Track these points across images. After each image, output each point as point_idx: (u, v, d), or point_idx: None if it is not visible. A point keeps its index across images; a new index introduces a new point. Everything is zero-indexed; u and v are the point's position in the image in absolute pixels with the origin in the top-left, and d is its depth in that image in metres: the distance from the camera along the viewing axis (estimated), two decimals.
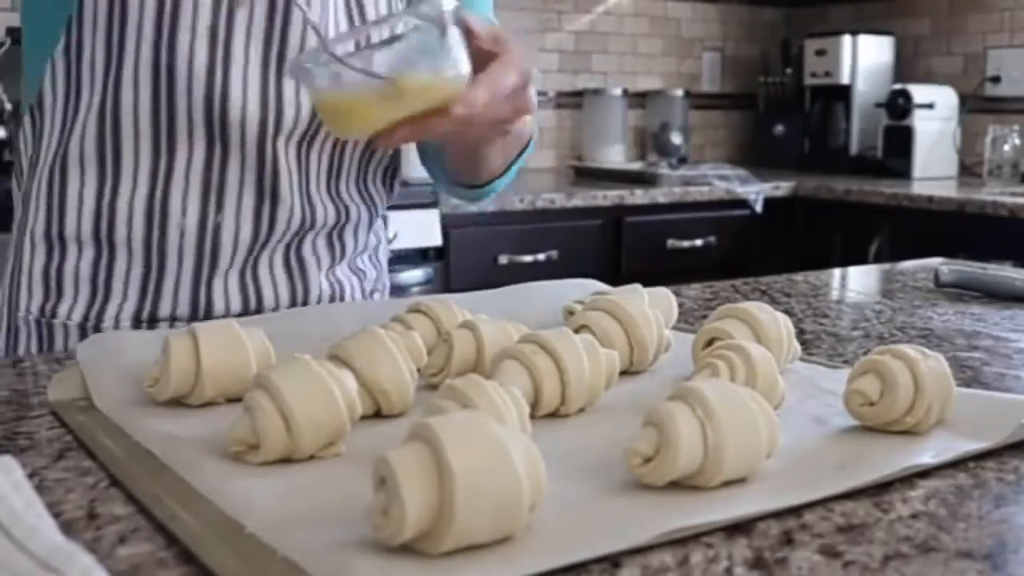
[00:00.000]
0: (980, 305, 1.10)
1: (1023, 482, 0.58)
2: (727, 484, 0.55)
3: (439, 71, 0.76)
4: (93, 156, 0.91)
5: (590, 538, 0.48)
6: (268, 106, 0.90)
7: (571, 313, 0.87)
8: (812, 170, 3.24)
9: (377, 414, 0.68)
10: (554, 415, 0.68)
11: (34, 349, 0.95)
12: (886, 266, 1.43)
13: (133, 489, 0.55)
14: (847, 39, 3.23)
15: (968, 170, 3.12)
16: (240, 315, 0.93)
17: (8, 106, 2.29)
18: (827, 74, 3.27)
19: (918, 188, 2.78)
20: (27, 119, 0.96)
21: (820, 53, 3.28)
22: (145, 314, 0.94)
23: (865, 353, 0.73)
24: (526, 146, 1.03)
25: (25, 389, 0.76)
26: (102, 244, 0.92)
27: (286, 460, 0.59)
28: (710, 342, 0.77)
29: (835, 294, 1.24)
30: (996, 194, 2.63)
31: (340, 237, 1.00)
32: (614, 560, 0.47)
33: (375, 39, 0.84)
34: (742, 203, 2.81)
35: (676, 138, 3.33)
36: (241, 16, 0.88)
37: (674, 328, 0.90)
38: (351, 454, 0.60)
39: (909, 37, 3.42)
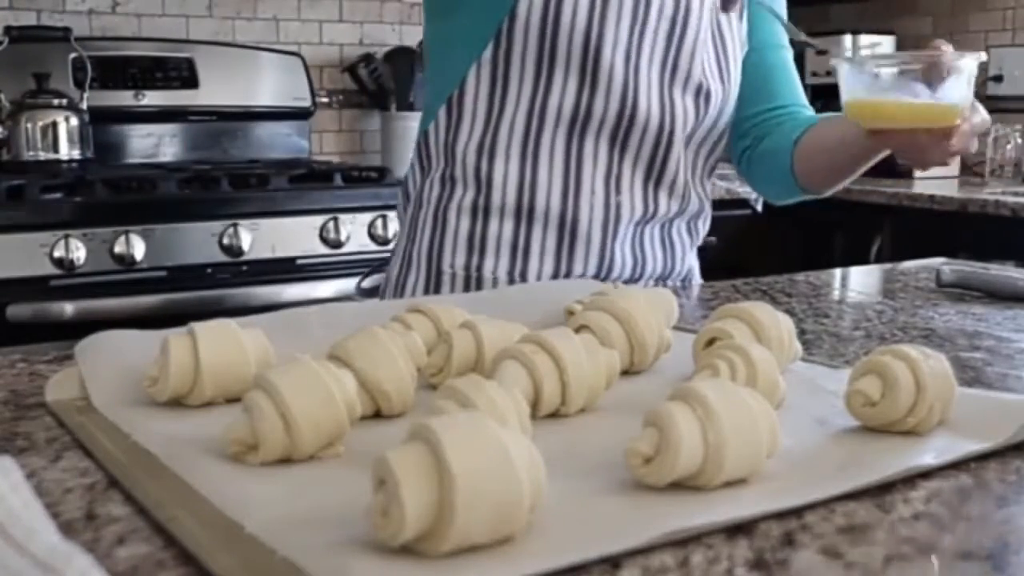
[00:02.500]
0: (982, 305, 1.10)
1: None
2: (728, 485, 0.55)
3: (957, 102, 0.92)
4: (519, 144, 1.09)
5: (590, 538, 0.48)
6: (665, 112, 1.10)
7: (571, 313, 0.87)
8: None
9: (377, 414, 0.67)
10: (554, 415, 0.68)
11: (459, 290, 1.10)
12: (887, 266, 1.43)
13: (132, 490, 0.55)
14: (848, 38, 3.23)
15: (970, 169, 3.11)
16: (629, 280, 1.13)
17: (7, 105, 2.29)
18: (829, 73, 3.27)
19: (920, 187, 2.78)
20: (443, 110, 1.12)
21: (821, 52, 3.28)
22: (561, 273, 1.11)
23: (866, 353, 0.73)
24: None
25: (24, 389, 0.76)
26: (522, 214, 1.10)
27: (285, 460, 0.59)
28: (710, 342, 0.77)
29: (836, 294, 1.24)
30: (998, 194, 2.62)
31: (695, 224, 1.21)
32: (614, 560, 0.47)
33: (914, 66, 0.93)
34: (743, 203, 2.81)
35: None
36: (648, 33, 1.07)
37: (674, 328, 0.89)
38: (351, 454, 0.60)
39: (910, 36, 3.41)
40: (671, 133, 1.11)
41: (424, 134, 1.15)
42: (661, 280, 1.19)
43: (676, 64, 1.09)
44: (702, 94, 1.12)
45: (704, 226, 1.23)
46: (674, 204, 1.16)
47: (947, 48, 0.90)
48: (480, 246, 1.10)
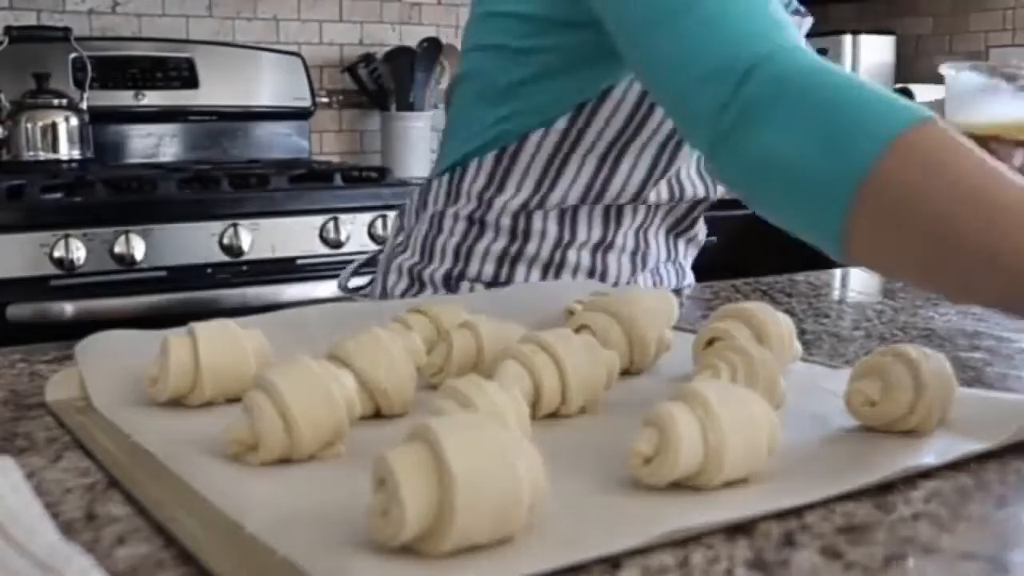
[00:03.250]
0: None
1: None
2: (728, 485, 0.55)
3: None
4: (561, 211, 1.09)
5: (590, 538, 0.48)
6: (707, 181, 1.15)
7: (571, 313, 0.87)
8: None
9: (377, 414, 0.67)
10: (554, 415, 0.68)
11: None
12: None
13: (132, 490, 0.55)
14: (848, 38, 3.23)
15: None
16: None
17: (7, 105, 2.29)
18: None
19: None
20: (491, 155, 1.06)
21: (821, 52, 3.25)
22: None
23: (866, 353, 0.73)
24: None
25: (24, 389, 0.76)
26: (552, 266, 1.09)
27: (285, 460, 0.58)
28: (711, 342, 0.77)
29: (836, 294, 1.24)
30: None
31: (694, 248, 1.25)
32: (614, 560, 0.47)
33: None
34: (743, 203, 2.81)
35: None
36: None
37: (674, 328, 0.89)
38: (351, 454, 0.60)
39: (911, 36, 3.41)
40: (707, 196, 1.16)
41: (462, 168, 1.09)
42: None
43: None
44: None
45: (697, 242, 1.27)
46: (692, 246, 1.24)
47: None
48: (512, 262, 1.10)
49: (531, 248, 1.08)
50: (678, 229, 1.19)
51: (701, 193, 1.15)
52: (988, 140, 0.81)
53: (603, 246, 1.12)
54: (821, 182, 0.66)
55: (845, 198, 0.65)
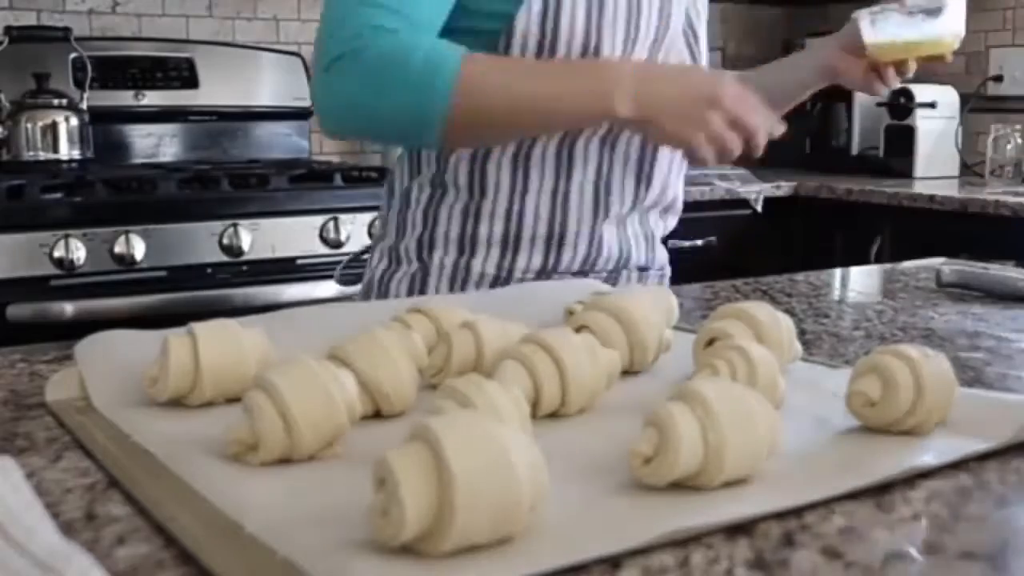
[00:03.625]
0: (982, 305, 1.10)
1: None
2: (728, 485, 0.55)
3: (958, 34, 1.15)
4: (511, 152, 1.10)
5: (590, 538, 0.48)
6: None
7: (571, 313, 0.87)
8: (813, 170, 3.24)
9: (377, 414, 0.67)
10: (554, 415, 0.68)
11: (445, 290, 1.12)
12: (887, 266, 1.43)
13: (132, 490, 0.55)
14: None
15: (970, 170, 3.11)
16: (614, 270, 1.16)
17: (7, 105, 2.29)
18: None
19: (920, 188, 2.78)
20: None
21: None
22: (549, 266, 1.13)
23: (866, 353, 0.73)
24: None
25: (24, 389, 0.76)
26: (512, 216, 1.12)
27: (285, 461, 0.58)
28: (711, 342, 0.77)
29: (836, 294, 1.24)
30: (998, 194, 2.62)
31: (666, 217, 1.24)
32: (614, 560, 0.47)
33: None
34: (743, 203, 2.81)
35: None
36: (639, 42, 1.09)
37: (674, 328, 0.89)
38: (351, 455, 0.60)
39: None
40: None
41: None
42: (643, 271, 1.22)
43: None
44: None
45: (673, 220, 1.27)
46: (656, 195, 1.19)
47: None
48: (471, 245, 1.13)
49: (489, 201, 1.11)
50: (645, 173, 1.17)
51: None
52: (895, 61, 1.16)
53: (560, 193, 1.12)
54: (417, 110, 0.96)
55: (439, 112, 0.96)
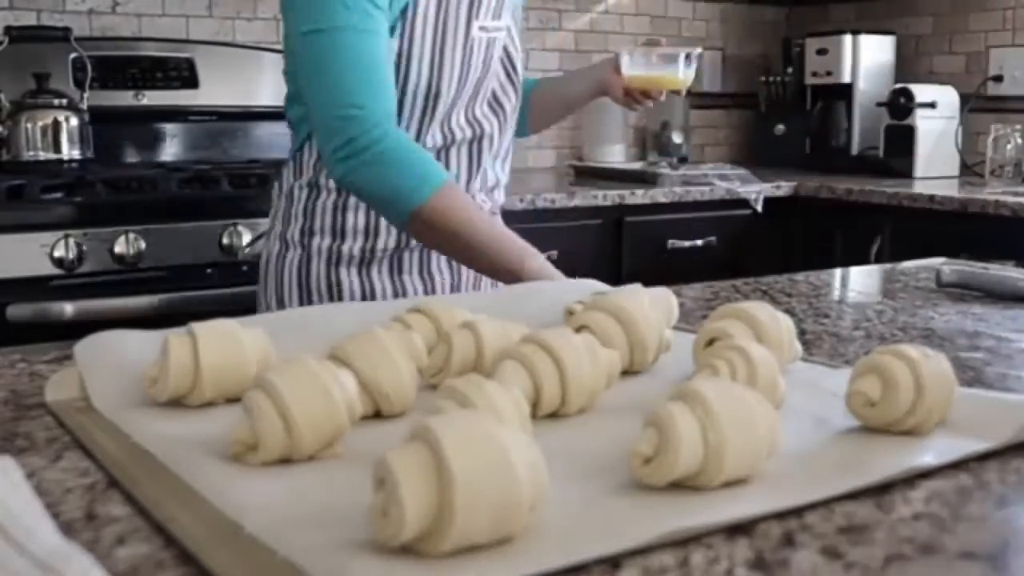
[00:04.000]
0: (982, 305, 1.10)
1: None
2: (728, 485, 0.55)
3: (688, 77, 1.50)
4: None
5: (590, 538, 0.48)
6: (475, 129, 1.43)
7: (571, 313, 0.87)
8: (813, 170, 3.24)
9: (377, 414, 0.67)
10: (554, 415, 0.68)
11: (323, 268, 1.38)
12: (887, 266, 1.43)
13: (132, 490, 0.55)
14: (848, 38, 3.23)
15: (970, 170, 3.11)
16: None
17: (7, 105, 2.29)
18: (828, 73, 3.27)
19: (920, 188, 2.78)
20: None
21: (821, 52, 3.27)
22: (403, 244, 1.39)
23: (866, 353, 0.73)
24: None
25: (24, 389, 0.76)
26: (370, 212, 1.36)
27: (285, 461, 0.58)
28: (711, 342, 0.77)
29: (836, 294, 1.24)
30: (998, 194, 2.62)
31: (492, 192, 1.48)
32: (614, 560, 0.47)
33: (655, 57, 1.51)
34: (743, 203, 2.81)
35: (677, 138, 3.32)
36: (469, 79, 1.37)
37: (674, 328, 0.89)
38: (351, 455, 0.60)
39: (911, 36, 3.41)
40: (480, 140, 1.40)
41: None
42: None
43: (478, 92, 1.39)
44: (496, 101, 1.44)
45: (501, 196, 1.51)
46: (480, 183, 1.43)
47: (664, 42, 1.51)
48: (340, 232, 1.37)
49: (352, 202, 1.36)
50: (476, 166, 1.42)
51: (468, 133, 1.39)
52: (641, 89, 1.49)
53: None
54: (394, 207, 1.24)
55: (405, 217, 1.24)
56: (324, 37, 1.30)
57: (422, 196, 1.20)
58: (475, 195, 1.43)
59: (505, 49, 1.44)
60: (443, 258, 1.41)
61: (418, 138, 1.35)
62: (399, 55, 1.30)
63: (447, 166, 1.39)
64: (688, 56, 1.49)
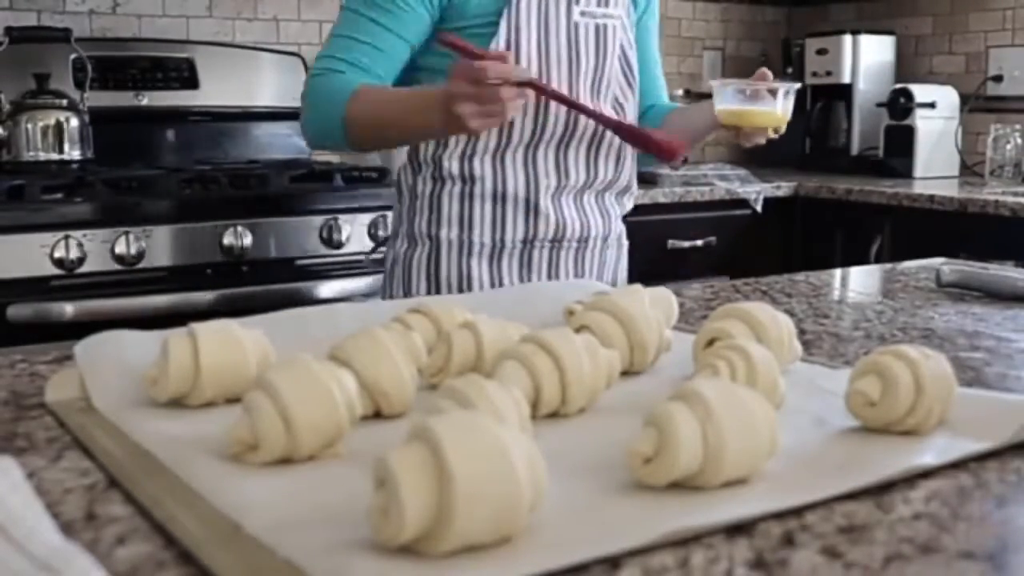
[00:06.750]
0: (982, 305, 1.10)
1: None
2: (728, 485, 0.55)
3: (786, 113, 1.40)
4: (490, 154, 1.40)
5: (590, 538, 0.48)
6: (597, 124, 1.45)
7: (571, 313, 0.87)
8: (813, 170, 3.24)
9: (377, 414, 0.67)
10: (554, 415, 0.68)
11: (455, 260, 1.42)
12: (887, 266, 1.43)
13: (132, 490, 0.55)
14: (848, 38, 3.23)
15: (970, 170, 3.11)
16: (580, 239, 1.45)
17: (7, 105, 2.29)
18: (828, 73, 3.27)
19: (919, 188, 2.78)
20: None
21: (821, 52, 3.27)
22: (528, 235, 1.43)
23: (866, 353, 0.73)
24: None
25: (24, 389, 0.76)
26: (496, 198, 1.41)
27: (285, 461, 0.59)
28: (711, 342, 0.77)
29: (836, 294, 1.24)
30: (998, 194, 2.62)
31: (622, 198, 1.57)
32: (614, 560, 0.47)
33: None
34: (743, 203, 2.81)
35: None
36: (581, 73, 1.42)
37: (674, 328, 0.89)
38: (351, 455, 0.60)
39: (910, 36, 3.41)
40: (601, 136, 1.43)
41: (416, 148, 1.45)
42: (604, 239, 1.50)
43: (598, 88, 1.43)
44: (619, 104, 1.48)
45: (629, 202, 1.55)
46: (608, 176, 1.48)
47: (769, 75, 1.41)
48: (468, 221, 1.41)
49: (477, 188, 1.40)
50: (594, 167, 1.46)
51: (590, 128, 1.42)
52: (732, 125, 1.40)
53: (531, 181, 1.42)
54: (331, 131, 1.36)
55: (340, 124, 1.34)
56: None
57: (341, 108, 1.31)
58: (601, 196, 1.49)
59: (622, 48, 1.46)
60: (571, 258, 1.45)
61: (543, 127, 1.38)
62: (507, 45, 1.34)
63: (565, 160, 1.42)
64: (787, 92, 1.39)
